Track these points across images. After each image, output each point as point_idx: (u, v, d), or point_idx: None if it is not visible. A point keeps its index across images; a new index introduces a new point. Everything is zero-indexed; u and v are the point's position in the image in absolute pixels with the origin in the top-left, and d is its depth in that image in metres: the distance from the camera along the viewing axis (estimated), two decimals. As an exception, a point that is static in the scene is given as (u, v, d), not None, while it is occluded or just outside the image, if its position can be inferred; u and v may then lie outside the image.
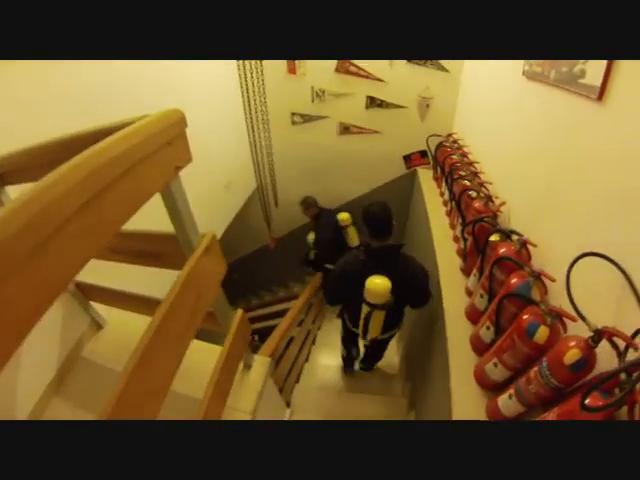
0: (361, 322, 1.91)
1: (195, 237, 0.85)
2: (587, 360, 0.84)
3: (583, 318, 0.88)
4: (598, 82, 1.04)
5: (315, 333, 3.63)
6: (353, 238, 3.22)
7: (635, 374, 0.68)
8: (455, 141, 2.67)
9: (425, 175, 3.05)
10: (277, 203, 3.64)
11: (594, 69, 1.07)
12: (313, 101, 3.28)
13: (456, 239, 2.00)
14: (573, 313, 0.92)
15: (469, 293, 1.61)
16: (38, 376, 1.27)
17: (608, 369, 0.81)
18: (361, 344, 2.65)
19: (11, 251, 0.40)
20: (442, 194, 2.57)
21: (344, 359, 2.85)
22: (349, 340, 2.56)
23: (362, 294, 1.74)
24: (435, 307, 1.77)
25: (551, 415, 0.87)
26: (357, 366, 2.89)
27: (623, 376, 0.75)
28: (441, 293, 1.67)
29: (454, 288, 1.69)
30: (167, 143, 0.69)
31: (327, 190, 3.79)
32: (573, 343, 0.87)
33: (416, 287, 1.86)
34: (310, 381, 2.88)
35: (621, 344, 0.79)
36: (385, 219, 1.81)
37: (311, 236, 3.42)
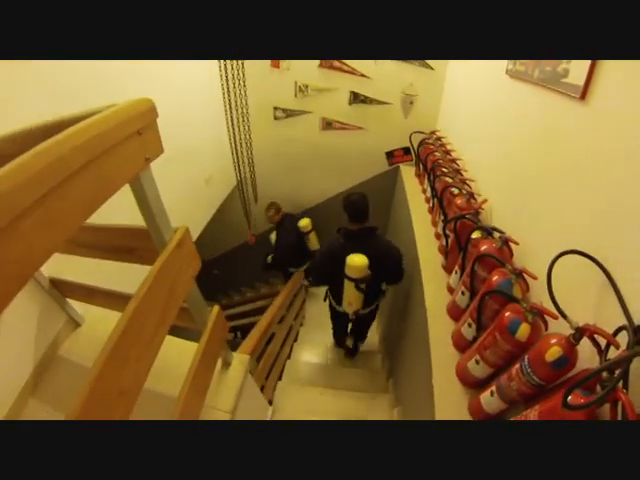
0: (345, 296, 2.20)
1: (167, 231, 0.82)
2: (568, 357, 0.85)
3: (564, 316, 0.88)
4: (581, 82, 1.05)
5: (297, 330, 3.61)
6: (314, 243, 3.53)
7: (617, 372, 0.68)
8: (438, 138, 2.67)
9: (408, 172, 3.05)
10: (257, 199, 3.60)
11: (577, 69, 1.08)
12: (296, 96, 3.24)
13: (438, 236, 2.01)
14: (554, 311, 0.92)
15: (451, 290, 1.61)
16: (13, 377, 1.22)
17: (589, 366, 0.82)
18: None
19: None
20: (424, 191, 2.58)
21: (335, 337, 3.22)
22: (337, 319, 2.81)
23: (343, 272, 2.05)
24: (417, 304, 1.77)
25: (533, 412, 0.87)
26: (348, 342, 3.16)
27: (605, 374, 0.76)
28: (423, 290, 1.67)
29: (436, 285, 1.69)
30: (136, 133, 0.65)
31: (308, 186, 3.78)
32: (554, 340, 0.87)
33: (391, 264, 2.13)
34: (292, 378, 2.87)
35: (603, 342, 0.80)
36: (363, 206, 2.10)
37: (273, 236, 3.58)
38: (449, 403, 1.22)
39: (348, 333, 3.03)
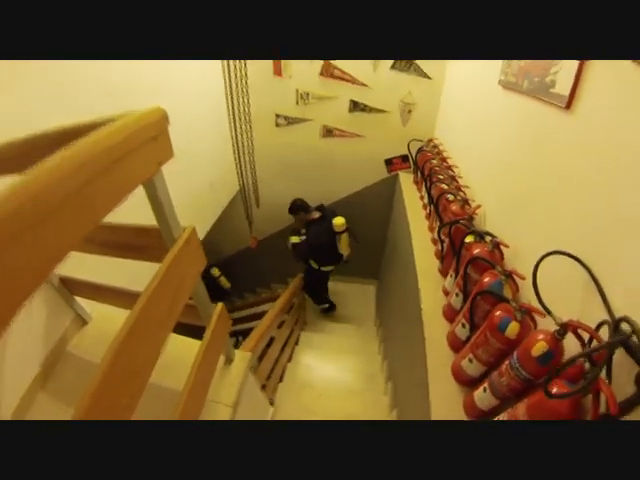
0: (341, 245, 3.33)
1: (177, 229, 0.87)
2: (554, 352, 0.89)
3: (549, 312, 0.93)
4: (567, 92, 1.11)
5: (298, 334, 3.66)
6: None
7: (600, 364, 0.73)
8: (435, 146, 2.74)
9: (406, 179, 3.12)
10: (259, 204, 3.66)
11: (564, 79, 1.14)
12: (297, 103, 3.32)
13: (434, 241, 2.06)
14: (541, 308, 0.98)
15: (446, 293, 1.66)
16: (22, 372, 1.26)
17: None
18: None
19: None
20: (422, 197, 2.63)
21: (320, 297, 4.07)
22: (321, 281, 3.84)
23: (329, 243, 3.26)
24: (414, 307, 1.82)
25: (521, 406, 0.92)
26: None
27: (587, 366, 0.81)
28: (419, 293, 1.72)
29: (432, 289, 1.74)
30: (152, 138, 0.71)
31: (309, 193, 3.83)
32: (541, 336, 0.92)
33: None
34: (293, 380, 2.92)
35: (586, 336, 0.85)
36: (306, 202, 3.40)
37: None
38: (445, 402, 1.26)
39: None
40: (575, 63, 1.07)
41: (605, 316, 0.81)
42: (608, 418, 0.70)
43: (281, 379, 2.84)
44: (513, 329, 1.05)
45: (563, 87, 1.14)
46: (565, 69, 1.13)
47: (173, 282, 0.82)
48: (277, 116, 3.42)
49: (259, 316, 3.34)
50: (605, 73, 0.96)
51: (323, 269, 3.53)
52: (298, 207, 3.36)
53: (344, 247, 3.36)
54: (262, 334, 2.27)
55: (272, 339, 2.71)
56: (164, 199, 0.79)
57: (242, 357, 1.38)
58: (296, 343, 3.51)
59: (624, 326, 0.75)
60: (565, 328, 0.87)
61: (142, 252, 1.00)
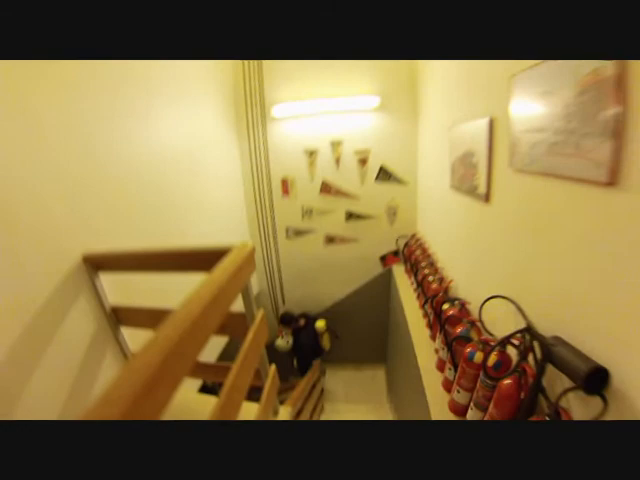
0: (324, 342, 4.00)
1: (255, 313, 1.32)
2: (502, 360, 1.34)
3: (491, 335, 1.41)
4: (484, 191, 1.71)
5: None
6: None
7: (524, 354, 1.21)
8: (417, 239, 3.30)
9: (398, 270, 3.62)
10: (284, 300, 4.19)
11: (482, 184, 1.72)
12: (303, 218, 3.94)
13: (424, 315, 2.55)
14: (486, 333, 1.45)
15: (437, 351, 2.08)
16: (52, 397, 1.34)
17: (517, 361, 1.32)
18: None
19: (178, 344, 0.65)
20: (412, 283, 3.16)
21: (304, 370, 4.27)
22: (305, 367, 4.09)
23: (315, 342, 3.95)
24: (413, 365, 2.22)
25: (492, 403, 1.33)
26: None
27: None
28: (416, 357, 2.12)
29: (426, 351, 2.13)
30: (249, 261, 1.18)
31: (317, 293, 4.28)
32: (494, 353, 1.39)
33: None
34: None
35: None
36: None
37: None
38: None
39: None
40: (485, 173, 1.70)
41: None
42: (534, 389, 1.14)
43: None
44: (478, 357, 1.49)
45: (482, 189, 1.74)
46: (482, 177, 1.72)
47: (253, 354, 1.21)
48: (287, 229, 4.00)
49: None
50: (502, 179, 1.55)
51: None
52: (288, 319, 4.01)
53: (326, 343, 4.08)
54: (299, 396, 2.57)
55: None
56: (251, 293, 1.27)
57: (286, 410, 1.77)
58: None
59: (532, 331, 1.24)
60: (502, 342, 1.35)
61: (224, 330, 1.36)
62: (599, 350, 0.96)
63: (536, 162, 1.24)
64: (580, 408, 1.04)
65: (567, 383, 1.02)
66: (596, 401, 0.94)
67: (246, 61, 2.54)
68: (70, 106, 1.53)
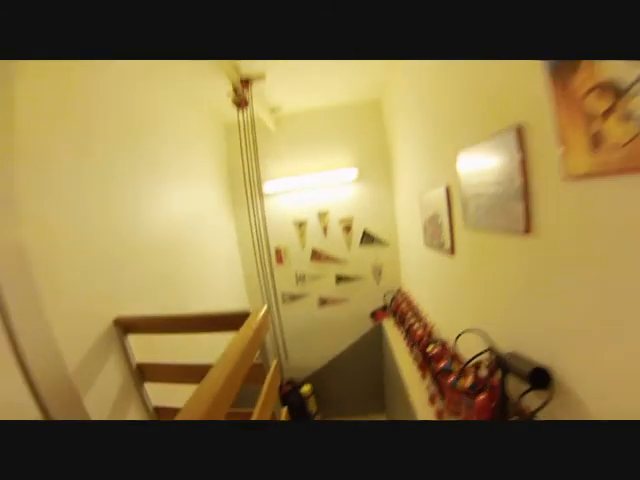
0: (309, 403, 4.11)
1: (271, 362, 1.62)
2: (476, 382, 1.61)
3: (466, 364, 1.68)
4: (449, 246, 2.10)
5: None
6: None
7: (492, 371, 1.48)
8: (403, 293, 3.65)
9: (388, 324, 3.77)
10: (287, 356, 4.32)
11: (447, 240, 2.12)
12: (297, 283, 4.24)
13: (415, 359, 2.77)
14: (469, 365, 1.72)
15: (427, 388, 2.31)
16: None
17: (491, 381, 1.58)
18: None
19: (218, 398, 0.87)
20: (402, 333, 3.40)
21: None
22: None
23: (301, 406, 4.00)
24: (406, 403, 2.41)
25: (474, 417, 1.56)
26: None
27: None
28: (409, 396, 2.35)
29: (418, 389, 2.35)
30: (265, 323, 1.50)
31: (314, 352, 4.46)
32: (468, 376, 1.64)
33: None
34: None
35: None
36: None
37: None
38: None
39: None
40: (448, 231, 2.08)
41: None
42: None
43: None
44: (461, 384, 1.76)
45: (447, 244, 2.13)
46: (446, 234, 2.12)
47: (269, 400, 1.47)
48: (283, 295, 4.20)
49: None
50: (461, 235, 1.94)
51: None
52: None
53: (312, 406, 4.26)
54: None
55: None
56: (267, 348, 1.58)
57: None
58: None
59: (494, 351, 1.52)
60: (475, 366, 1.61)
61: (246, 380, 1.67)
62: (541, 354, 1.25)
63: (480, 220, 1.61)
64: (538, 403, 1.29)
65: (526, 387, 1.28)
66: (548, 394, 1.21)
67: (243, 141, 2.90)
68: (108, 194, 1.88)
